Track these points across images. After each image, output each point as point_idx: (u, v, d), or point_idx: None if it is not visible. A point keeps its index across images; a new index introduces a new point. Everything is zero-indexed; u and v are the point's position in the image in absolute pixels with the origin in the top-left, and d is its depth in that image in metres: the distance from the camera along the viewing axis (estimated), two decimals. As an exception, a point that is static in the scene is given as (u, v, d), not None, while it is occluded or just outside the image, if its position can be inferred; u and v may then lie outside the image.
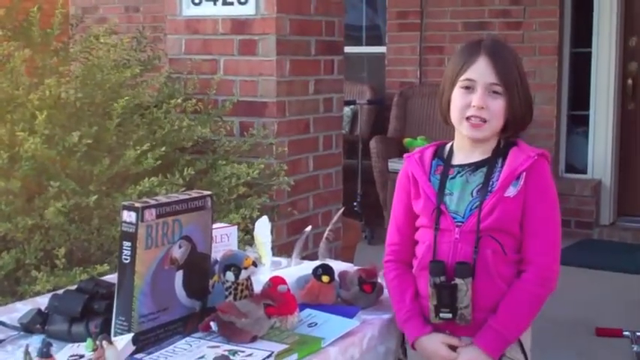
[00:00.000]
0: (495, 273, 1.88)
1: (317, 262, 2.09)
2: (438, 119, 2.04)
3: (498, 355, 1.90)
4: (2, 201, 2.77)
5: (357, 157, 6.27)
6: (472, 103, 1.89)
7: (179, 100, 3.29)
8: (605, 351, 3.95)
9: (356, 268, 2.12)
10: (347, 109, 6.62)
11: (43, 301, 1.92)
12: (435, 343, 1.92)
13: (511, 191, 1.89)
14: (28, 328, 1.78)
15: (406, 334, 1.96)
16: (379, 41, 7.38)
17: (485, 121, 1.90)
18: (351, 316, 1.88)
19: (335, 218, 2.50)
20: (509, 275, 1.91)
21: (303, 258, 2.33)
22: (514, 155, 1.93)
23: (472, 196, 1.92)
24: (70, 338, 1.71)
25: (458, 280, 1.86)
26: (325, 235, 2.31)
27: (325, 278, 1.97)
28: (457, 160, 1.98)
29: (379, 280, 2.05)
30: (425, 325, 1.93)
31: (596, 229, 6.21)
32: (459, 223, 1.90)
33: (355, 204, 6.15)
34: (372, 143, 6.11)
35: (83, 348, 1.62)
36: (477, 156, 1.96)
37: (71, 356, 1.59)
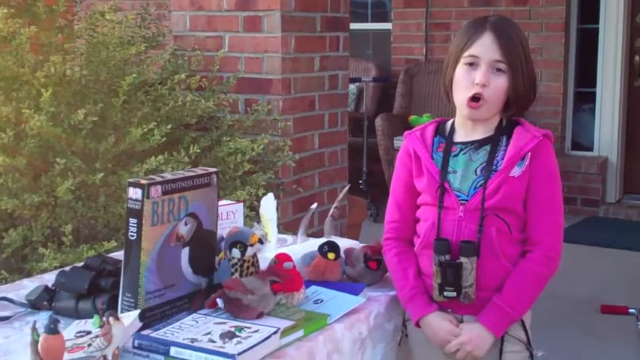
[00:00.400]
0: (500, 252, 1.87)
1: (323, 240, 2.10)
2: (443, 96, 2.02)
3: (502, 333, 1.90)
4: (9, 178, 2.78)
5: (362, 134, 6.26)
6: (475, 81, 1.86)
7: (182, 76, 3.28)
8: (611, 328, 3.96)
9: (361, 245, 2.12)
10: (352, 87, 6.61)
11: (50, 278, 1.93)
12: (439, 320, 1.92)
13: (516, 171, 1.87)
14: (35, 304, 1.79)
15: (410, 312, 1.95)
16: (385, 18, 7.34)
17: (482, 99, 1.86)
18: (356, 292, 1.89)
19: (341, 195, 2.50)
20: (514, 254, 1.90)
21: (309, 235, 2.33)
22: (519, 135, 1.91)
23: (476, 175, 1.90)
24: (77, 315, 1.71)
25: (463, 259, 1.85)
26: (331, 212, 2.31)
27: (331, 255, 1.97)
28: (459, 137, 1.96)
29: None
30: (429, 303, 1.93)
31: (602, 206, 6.20)
32: (463, 202, 1.89)
33: (360, 182, 6.15)
34: (378, 121, 6.10)
35: (90, 324, 1.62)
36: (479, 134, 1.94)
37: (78, 332, 1.60)
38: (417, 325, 1.95)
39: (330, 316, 1.74)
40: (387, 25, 7.20)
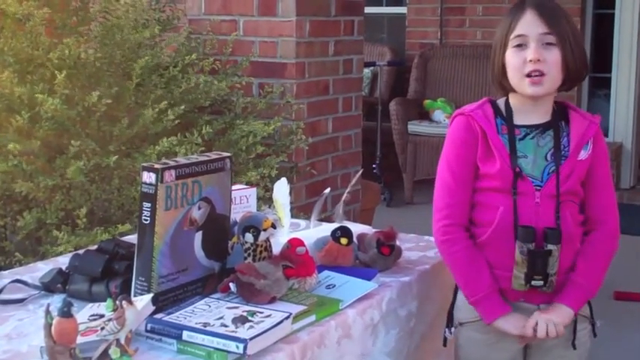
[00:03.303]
0: (575, 235, 1.88)
1: (336, 225, 2.09)
2: (496, 88, 1.95)
3: (579, 309, 1.91)
4: (23, 161, 2.79)
5: (376, 119, 6.24)
6: (528, 58, 1.83)
7: (193, 56, 3.28)
8: (624, 315, 3.95)
9: (374, 230, 2.12)
10: (366, 71, 6.58)
11: (64, 261, 1.94)
12: (517, 320, 1.89)
13: (582, 155, 1.89)
14: (49, 287, 1.80)
15: (483, 312, 1.90)
16: (400, 1, 7.31)
17: (543, 74, 1.83)
18: (369, 278, 1.88)
19: (353, 180, 2.50)
20: (580, 235, 1.92)
21: (322, 220, 2.33)
22: (577, 120, 1.91)
23: (547, 160, 1.88)
24: (91, 298, 1.72)
25: (551, 246, 1.82)
26: (343, 198, 2.31)
27: (344, 240, 1.97)
28: (519, 120, 1.91)
29: (397, 243, 2.04)
30: (504, 303, 1.90)
31: (617, 192, 6.14)
32: (538, 187, 1.86)
33: (374, 166, 6.15)
34: (392, 105, 6.08)
35: (103, 308, 1.63)
36: (536, 117, 1.91)
37: (91, 316, 1.61)
38: (489, 324, 1.91)
39: (342, 302, 1.74)
40: (402, 9, 7.16)
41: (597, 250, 1.91)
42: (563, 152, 1.88)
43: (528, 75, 1.84)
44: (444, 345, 2.02)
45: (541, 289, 1.86)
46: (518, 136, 1.90)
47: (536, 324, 1.86)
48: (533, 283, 1.84)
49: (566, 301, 1.88)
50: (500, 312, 1.89)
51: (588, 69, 1.93)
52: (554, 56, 1.84)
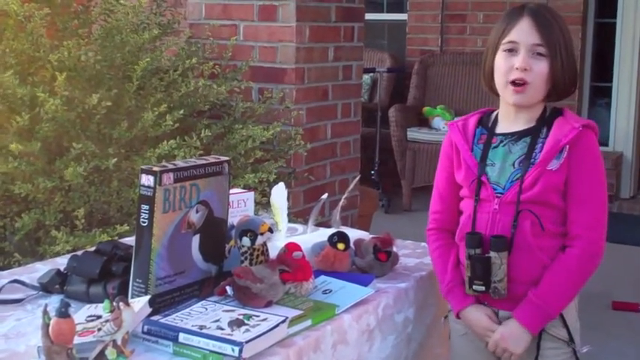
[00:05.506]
0: (535, 246, 1.84)
1: (333, 230, 2.10)
2: (485, 90, 1.97)
3: (538, 330, 1.87)
4: (23, 162, 2.80)
5: (375, 125, 6.26)
6: (515, 65, 1.83)
7: (193, 60, 3.29)
8: (622, 325, 3.95)
9: (371, 236, 2.13)
10: (366, 77, 6.60)
11: (62, 262, 1.95)
12: (477, 314, 1.91)
13: (554, 164, 1.83)
14: (47, 288, 1.81)
15: (450, 305, 1.97)
16: (400, 8, 7.32)
17: (526, 82, 1.83)
18: (365, 283, 1.89)
19: (351, 186, 2.50)
20: (552, 247, 1.86)
21: (319, 225, 2.34)
22: (559, 126, 1.86)
23: (514, 168, 1.87)
24: (88, 299, 1.73)
25: (492, 254, 1.83)
26: (340, 204, 2.31)
27: (340, 246, 1.97)
28: (501, 128, 1.93)
29: (394, 249, 2.05)
30: (467, 296, 1.92)
31: (616, 202, 6.17)
32: (499, 194, 1.86)
33: (373, 173, 6.15)
34: (391, 112, 6.09)
35: (101, 309, 1.64)
36: (521, 124, 1.90)
37: (89, 317, 1.61)
38: (458, 316, 1.95)
39: (338, 307, 1.75)
40: (403, 16, 7.18)
41: (565, 268, 1.84)
42: (533, 160, 1.85)
43: (513, 82, 1.85)
44: (449, 338, 2.06)
45: (489, 294, 1.86)
46: (493, 144, 1.92)
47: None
48: (474, 287, 1.87)
49: (521, 319, 1.86)
50: (461, 304, 1.93)
51: (576, 85, 1.91)
52: (541, 67, 1.84)
